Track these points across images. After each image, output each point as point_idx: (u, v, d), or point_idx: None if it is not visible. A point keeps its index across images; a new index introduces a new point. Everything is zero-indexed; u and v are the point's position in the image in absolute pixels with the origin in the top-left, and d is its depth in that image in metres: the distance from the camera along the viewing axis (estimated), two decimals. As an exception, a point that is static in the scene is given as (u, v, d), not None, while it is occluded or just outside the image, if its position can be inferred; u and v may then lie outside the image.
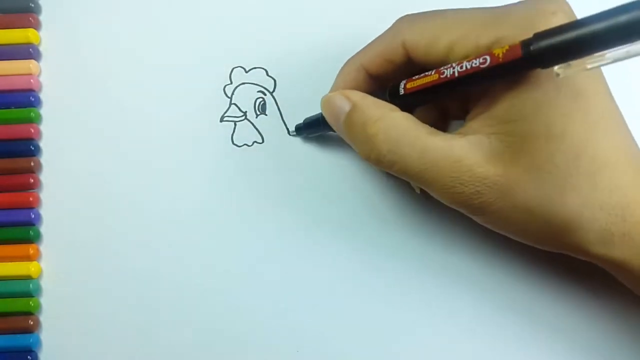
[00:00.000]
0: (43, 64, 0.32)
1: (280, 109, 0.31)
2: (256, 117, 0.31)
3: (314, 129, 0.29)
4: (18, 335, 0.29)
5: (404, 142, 0.23)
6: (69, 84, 0.31)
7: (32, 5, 0.31)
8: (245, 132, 0.31)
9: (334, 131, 0.27)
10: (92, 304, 0.30)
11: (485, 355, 0.29)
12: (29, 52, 0.31)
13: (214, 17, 0.32)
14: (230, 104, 0.31)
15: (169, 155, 0.31)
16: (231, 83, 0.31)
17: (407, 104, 0.25)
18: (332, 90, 0.27)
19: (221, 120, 0.31)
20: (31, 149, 0.31)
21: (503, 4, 0.24)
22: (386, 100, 0.25)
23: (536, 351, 0.29)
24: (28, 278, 0.30)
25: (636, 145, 0.24)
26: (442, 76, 0.22)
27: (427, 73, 0.23)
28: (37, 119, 0.31)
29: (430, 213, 0.30)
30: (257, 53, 0.31)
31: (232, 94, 0.31)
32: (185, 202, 0.30)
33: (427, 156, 0.23)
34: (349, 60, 0.27)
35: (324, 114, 0.27)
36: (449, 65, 0.22)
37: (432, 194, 0.24)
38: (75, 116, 0.31)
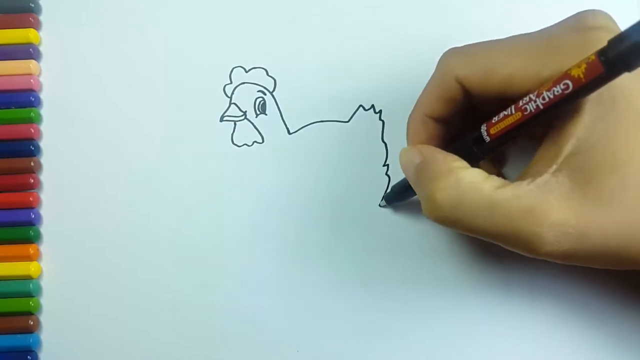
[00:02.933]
0: (43, 64, 0.32)
1: (280, 108, 0.31)
2: (256, 117, 0.31)
3: (402, 195, 0.29)
4: (18, 335, 0.30)
5: (467, 200, 0.22)
6: (69, 84, 0.31)
7: (32, 5, 0.31)
8: (245, 131, 0.31)
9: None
10: (92, 304, 0.30)
11: (488, 352, 0.29)
12: (29, 52, 0.31)
13: (214, 17, 0.32)
14: (230, 103, 0.31)
15: (169, 155, 0.31)
16: (231, 83, 0.31)
17: (494, 147, 0.24)
18: (408, 144, 0.27)
19: (221, 120, 0.31)
20: (31, 149, 0.31)
21: (535, 29, 0.23)
22: (470, 149, 0.24)
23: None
24: (28, 278, 0.30)
25: None
26: (525, 113, 0.22)
27: (506, 113, 0.22)
28: (37, 119, 0.31)
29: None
30: (257, 53, 0.31)
31: (232, 93, 0.31)
32: (185, 202, 0.30)
33: (495, 211, 0.22)
34: (410, 117, 0.27)
35: (400, 166, 0.26)
36: (528, 99, 0.21)
37: (508, 248, 0.23)
38: (75, 116, 0.31)
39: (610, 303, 0.29)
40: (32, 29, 0.31)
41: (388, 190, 0.30)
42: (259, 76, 0.31)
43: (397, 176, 0.30)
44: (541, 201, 0.22)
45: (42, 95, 0.31)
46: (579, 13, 0.23)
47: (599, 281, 0.29)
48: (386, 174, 0.30)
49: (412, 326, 0.30)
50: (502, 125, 0.23)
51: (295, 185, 0.30)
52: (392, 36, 0.31)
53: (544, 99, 0.21)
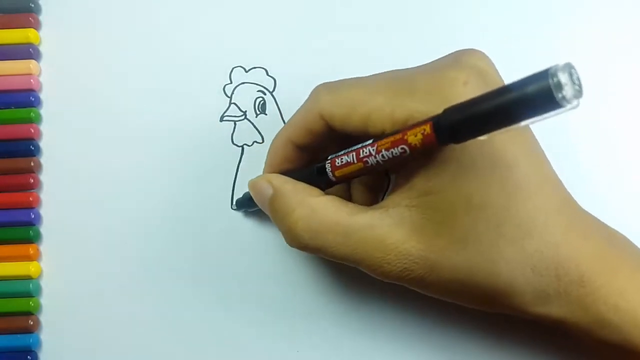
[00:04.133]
0: (43, 64, 0.32)
1: (280, 108, 0.31)
2: (256, 117, 0.31)
3: (252, 204, 0.28)
4: (18, 335, 0.29)
5: (324, 229, 0.23)
6: (69, 84, 0.31)
7: (32, 5, 0.31)
8: (245, 131, 0.31)
9: None
10: (92, 303, 0.30)
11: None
12: (29, 52, 0.31)
13: (214, 17, 0.32)
14: (230, 103, 0.31)
15: (169, 155, 0.31)
16: (231, 83, 0.31)
17: (340, 183, 0.25)
18: (266, 166, 0.28)
19: (221, 120, 0.31)
20: (31, 149, 0.31)
21: (420, 64, 0.24)
22: (315, 178, 0.25)
23: None
24: (28, 278, 0.30)
25: (570, 200, 0.23)
26: (366, 165, 0.22)
27: (348, 160, 0.23)
28: (37, 119, 0.31)
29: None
30: (257, 53, 0.31)
31: (232, 93, 0.31)
32: (186, 202, 0.30)
33: (351, 239, 0.23)
34: (277, 135, 0.27)
35: (252, 197, 0.27)
36: (369, 153, 0.22)
37: (366, 271, 0.24)
38: (75, 116, 0.31)
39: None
40: (32, 29, 0.31)
41: (240, 196, 0.30)
42: (259, 76, 0.31)
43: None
44: (393, 233, 0.23)
45: (42, 95, 0.31)
46: (458, 51, 0.23)
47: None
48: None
49: (412, 326, 0.29)
50: (345, 171, 0.24)
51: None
52: (392, 36, 0.31)
53: (383, 156, 0.22)
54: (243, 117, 0.31)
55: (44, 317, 0.30)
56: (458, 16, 0.31)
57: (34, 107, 0.31)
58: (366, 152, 0.22)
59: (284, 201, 0.25)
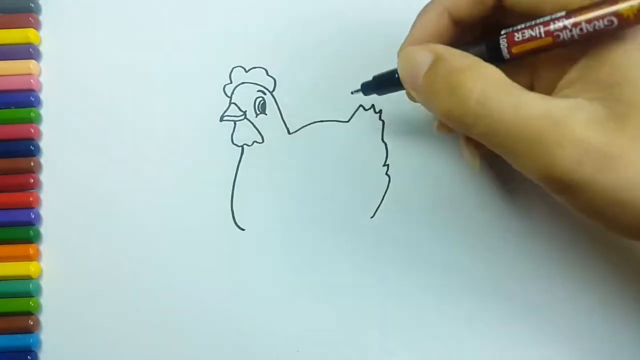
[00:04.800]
0: (43, 64, 0.32)
1: (280, 108, 0.31)
2: (256, 117, 0.31)
3: (385, 89, 0.26)
4: (18, 335, 0.29)
5: (496, 94, 0.20)
6: (69, 84, 0.31)
7: (32, 5, 0.31)
8: (245, 131, 0.31)
9: (403, 89, 0.25)
10: (92, 303, 0.30)
11: (491, 354, 0.29)
12: (29, 52, 0.31)
13: (214, 17, 0.32)
14: (230, 103, 0.31)
15: (169, 155, 0.31)
16: (231, 82, 0.31)
17: (511, 61, 0.22)
18: (408, 41, 0.24)
19: (221, 120, 0.31)
20: (31, 149, 0.31)
21: None
22: (481, 55, 0.22)
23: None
24: (28, 278, 0.30)
25: None
26: (556, 40, 0.20)
27: (533, 34, 0.21)
28: (37, 119, 0.31)
29: (435, 210, 0.30)
30: (257, 53, 0.31)
31: (232, 93, 0.31)
32: (185, 202, 0.30)
33: (522, 112, 0.20)
34: (430, 3, 0.24)
35: (400, 70, 0.24)
36: (564, 27, 0.20)
37: (519, 161, 0.21)
38: (75, 116, 0.31)
39: (607, 312, 0.29)
40: (32, 29, 0.31)
41: (368, 80, 0.27)
42: (259, 76, 0.31)
43: (397, 176, 0.30)
44: (571, 116, 0.20)
45: (42, 95, 0.31)
46: None
47: (599, 285, 0.29)
48: (386, 174, 0.30)
49: (412, 326, 0.29)
50: (527, 46, 0.21)
51: (295, 185, 0.30)
52: (393, 36, 0.31)
53: (581, 30, 0.20)
54: (243, 117, 0.31)
55: (44, 317, 0.30)
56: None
57: (34, 107, 0.31)
58: (558, 26, 0.20)
59: (452, 62, 0.21)
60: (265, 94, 0.31)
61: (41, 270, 0.30)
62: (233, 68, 0.31)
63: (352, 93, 0.28)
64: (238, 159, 0.31)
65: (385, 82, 0.26)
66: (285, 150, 0.31)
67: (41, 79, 0.32)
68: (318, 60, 0.31)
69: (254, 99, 0.31)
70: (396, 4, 0.31)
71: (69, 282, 0.30)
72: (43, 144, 0.31)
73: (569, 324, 0.29)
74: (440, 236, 0.30)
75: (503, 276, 0.29)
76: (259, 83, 0.31)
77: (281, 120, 0.31)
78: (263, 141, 0.31)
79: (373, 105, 0.31)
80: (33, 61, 0.31)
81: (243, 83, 0.31)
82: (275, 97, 0.31)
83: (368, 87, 0.27)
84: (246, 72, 0.31)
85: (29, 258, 0.30)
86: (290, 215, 0.30)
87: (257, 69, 0.31)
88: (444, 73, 0.22)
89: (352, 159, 0.31)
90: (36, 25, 0.32)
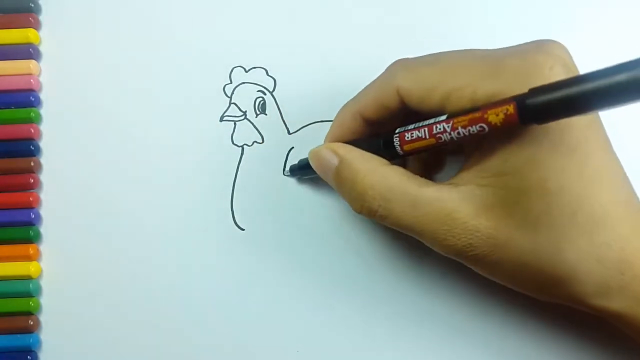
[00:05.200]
0: (43, 64, 0.32)
1: (280, 108, 0.31)
2: (256, 117, 0.31)
3: (308, 171, 0.29)
4: (18, 335, 0.29)
5: (394, 197, 0.23)
6: (69, 84, 0.31)
7: (32, 5, 0.31)
8: (245, 131, 0.31)
9: None
10: (92, 303, 0.30)
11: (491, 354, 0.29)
12: (29, 52, 0.31)
13: (214, 17, 0.32)
14: (230, 103, 0.31)
15: (169, 155, 0.31)
16: (231, 83, 0.31)
17: (405, 156, 0.25)
18: (327, 137, 0.28)
19: (221, 120, 0.31)
20: (31, 149, 0.31)
21: (499, 46, 0.24)
22: (381, 150, 0.25)
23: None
24: (28, 278, 0.30)
25: (635, 196, 0.23)
26: (439, 142, 0.22)
27: (420, 135, 0.23)
28: (37, 119, 0.31)
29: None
30: (257, 53, 0.31)
31: (232, 93, 0.31)
32: (185, 202, 0.30)
33: (418, 209, 0.23)
34: (344, 107, 0.27)
35: (313, 167, 0.27)
36: (444, 130, 0.22)
37: (425, 243, 0.24)
38: (75, 116, 0.31)
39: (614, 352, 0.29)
40: (32, 29, 0.31)
41: (296, 163, 0.30)
42: (259, 76, 0.31)
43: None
44: (462, 208, 0.22)
45: (42, 95, 0.31)
46: (537, 40, 0.23)
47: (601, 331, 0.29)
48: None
49: (412, 326, 0.29)
50: (415, 145, 0.24)
51: (295, 185, 0.30)
52: (393, 36, 0.31)
53: (458, 133, 0.22)
54: (243, 117, 0.31)
55: (44, 317, 0.30)
56: (461, 16, 0.31)
57: (34, 107, 0.31)
58: (440, 129, 0.22)
59: (352, 169, 0.25)
60: (265, 94, 0.31)
61: (41, 270, 0.30)
62: (233, 68, 0.31)
63: (284, 174, 0.30)
64: (238, 159, 0.31)
65: (307, 168, 0.28)
66: (286, 150, 0.31)
67: (41, 79, 0.32)
68: (318, 60, 0.31)
69: (254, 99, 0.31)
70: (396, 4, 0.31)
71: (69, 282, 0.30)
72: (43, 144, 0.31)
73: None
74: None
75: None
76: (259, 83, 0.31)
77: (281, 120, 0.31)
78: (263, 141, 0.31)
79: (373, 105, 0.31)
80: (33, 61, 0.31)
81: (243, 83, 0.31)
82: (275, 97, 0.31)
83: (294, 171, 0.30)
84: (246, 72, 0.31)
85: (29, 258, 0.30)
86: (290, 216, 0.30)
87: (257, 69, 0.31)
88: (348, 178, 0.25)
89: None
90: (36, 25, 0.32)
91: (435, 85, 0.23)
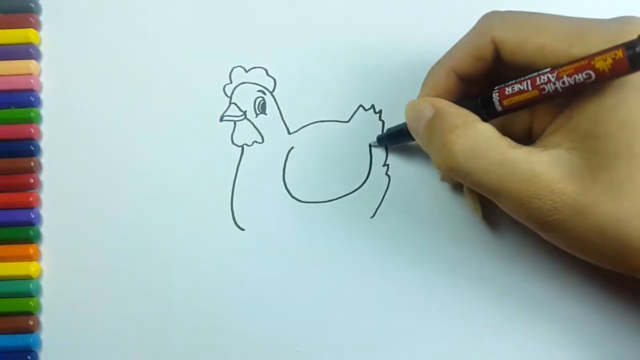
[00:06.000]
0: (43, 64, 0.32)
1: (280, 108, 0.31)
2: (256, 117, 0.31)
3: (396, 140, 0.29)
4: (18, 335, 0.30)
5: (481, 153, 0.23)
6: (69, 84, 0.31)
7: (32, 5, 0.31)
8: (245, 131, 0.31)
9: (414, 141, 0.27)
10: (92, 304, 0.30)
11: (495, 353, 0.29)
12: (29, 52, 0.31)
13: (215, 17, 0.32)
14: (230, 103, 0.31)
15: (169, 155, 0.31)
16: (231, 82, 0.31)
17: (503, 114, 0.25)
18: (420, 96, 0.27)
19: (221, 120, 0.31)
20: (31, 149, 0.31)
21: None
22: (478, 109, 0.25)
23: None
24: (28, 278, 0.30)
25: None
26: (542, 93, 0.22)
27: (522, 88, 0.23)
28: (37, 119, 0.31)
29: (444, 206, 0.30)
30: (257, 53, 0.31)
31: (232, 93, 0.31)
32: (185, 202, 0.30)
33: (504, 169, 0.23)
34: (436, 65, 0.27)
35: (406, 119, 0.27)
36: (548, 80, 0.22)
37: (504, 207, 0.24)
38: (75, 116, 0.31)
39: (609, 312, 0.29)
40: (32, 29, 0.31)
41: (383, 133, 0.30)
42: (259, 76, 0.31)
43: (397, 176, 0.30)
44: (550, 171, 0.22)
45: (42, 95, 0.32)
46: (620, 16, 0.23)
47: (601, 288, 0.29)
48: (386, 173, 0.30)
49: (411, 326, 0.29)
50: (516, 99, 0.23)
51: (295, 185, 0.30)
52: (393, 36, 0.31)
53: (563, 83, 0.21)
54: (243, 117, 0.31)
55: (44, 317, 0.30)
56: (461, 10, 0.31)
57: (34, 107, 0.31)
58: (544, 79, 0.22)
59: (446, 120, 0.24)
60: (265, 94, 0.31)
61: (41, 270, 0.30)
62: (233, 68, 0.31)
63: (370, 145, 0.31)
64: (238, 159, 0.31)
65: (398, 133, 0.29)
66: (286, 150, 0.31)
67: (41, 79, 0.32)
68: (318, 61, 0.31)
69: (254, 99, 0.31)
70: (397, 5, 0.31)
71: (69, 282, 0.30)
72: (43, 144, 0.31)
73: (575, 322, 0.29)
74: (440, 235, 0.30)
75: (508, 273, 0.29)
76: (259, 83, 0.31)
77: (281, 120, 0.31)
78: (263, 141, 0.31)
79: (373, 106, 0.31)
80: (33, 61, 0.31)
81: (243, 83, 0.31)
82: (275, 97, 0.31)
83: (382, 139, 0.30)
84: (246, 72, 0.31)
85: (29, 258, 0.30)
86: (290, 215, 0.30)
87: (257, 69, 0.31)
88: (439, 129, 0.24)
89: (352, 159, 0.31)
90: (36, 25, 0.32)
91: (531, 37, 0.23)
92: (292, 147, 0.31)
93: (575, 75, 0.21)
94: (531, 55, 0.23)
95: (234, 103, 0.31)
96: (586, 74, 0.21)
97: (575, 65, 0.21)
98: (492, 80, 0.25)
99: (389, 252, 0.30)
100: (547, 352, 0.29)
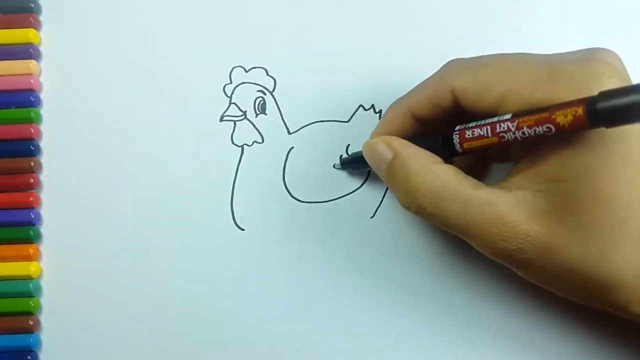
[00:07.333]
0: (43, 64, 0.32)
1: (280, 108, 0.31)
2: (256, 117, 0.31)
3: (359, 165, 0.29)
4: (18, 335, 0.30)
5: (446, 196, 0.23)
6: (69, 84, 0.31)
7: (32, 5, 0.31)
8: (245, 131, 0.31)
9: None
10: (92, 304, 0.30)
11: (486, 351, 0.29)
12: (29, 52, 0.31)
13: (214, 17, 0.32)
14: (230, 103, 0.31)
15: (169, 155, 0.31)
16: (231, 82, 0.31)
17: (464, 155, 0.25)
18: (376, 132, 0.27)
19: (221, 120, 0.31)
20: (31, 149, 0.31)
21: (554, 52, 0.24)
22: (438, 147, 0.25)
23: None
24: (28, 278, 0.30)
25: None
26: (501, 140, 0.22)
27: (482, 133, 0.23)
28: (37, 119, 0.31)
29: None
30: (257, 53, 0.31)
31: (232, 93, 0.31)
32: (185, 202, 0.30)
33: (469, 210, 0.23)
34: (394, 103, 0.27)
35: (366, 159, 0.27)
36: (508, 129, 0.22)
37: (475, 245, 0.24)
38: (75, 116, 0.31)
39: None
40: (32, 29, 0.31)
41: (347, 156, 0.30)
42: (259, 76, 0.31)
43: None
44: (514, 213, 0.22)
45: (42, 95, 0.32)
46: (591, 48, 0.23)
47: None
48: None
49: (410, 326, 0.29)
50: (476, 143, 0.23)
51: (295, 185, 0.30)
52: (393, 36, 0.31)
53: (523, 133, 0.22)
54: (243, 117, 0.31)
55: (44, 317, 0.30)
56: (461, 11, 0.31)
57: (34, 107, 0.31)
58: (504, 127, 0.22)
59: (406, 164, 0.25)
60: (265, 94, 0.31)
61: (41, 270, 0.30)
62: (233, 68, 0.31)
63: (334, 167, 0.30)
64: (238, 159, 0.31)
65: (359, 161, 0.28)
66: (286, 150, 0.31)
67: (41, 79, 0.32)
68: (318, 60, 0.31)
69: (254, 99, 0.31)
70: (397, 5, 0.31)
71: (69, 282, 0.30)
72: (43, 144, 0.31)
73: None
74: (440, 235, 0.30)
75: (508, 273, 0.29)
76: (259, 83, 0.31)
77: (281, 120, 0.31)
78: (263, 141, 0.31)
79: (373, 106, 0.31)
80: (33, 61, 0.31)
81: (243, 83, 0.31)
82: (275, 97, 0.31)
83: (346, 164, 0.30)
84: (246, 72, 0.31)
85: (29, 258, 0.30)
86: (290, 215, 0.30)
87: (257, 69, 0.31)
88: (400, 173, 0.25)
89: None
90: (36, 25, 0.32)
91: (492, 85, 0.23)
92: (292, 147, 0.31)
93: (536, 128, 0.21)
94: (493, 103, 0.23)
95: (234, 103, 0.31)
96: (546, 127, 0.21)
97: (536, 117, 0.21)
98: (454, 117, 0.25)
99: (388, 252, 0.30)
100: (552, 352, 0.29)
